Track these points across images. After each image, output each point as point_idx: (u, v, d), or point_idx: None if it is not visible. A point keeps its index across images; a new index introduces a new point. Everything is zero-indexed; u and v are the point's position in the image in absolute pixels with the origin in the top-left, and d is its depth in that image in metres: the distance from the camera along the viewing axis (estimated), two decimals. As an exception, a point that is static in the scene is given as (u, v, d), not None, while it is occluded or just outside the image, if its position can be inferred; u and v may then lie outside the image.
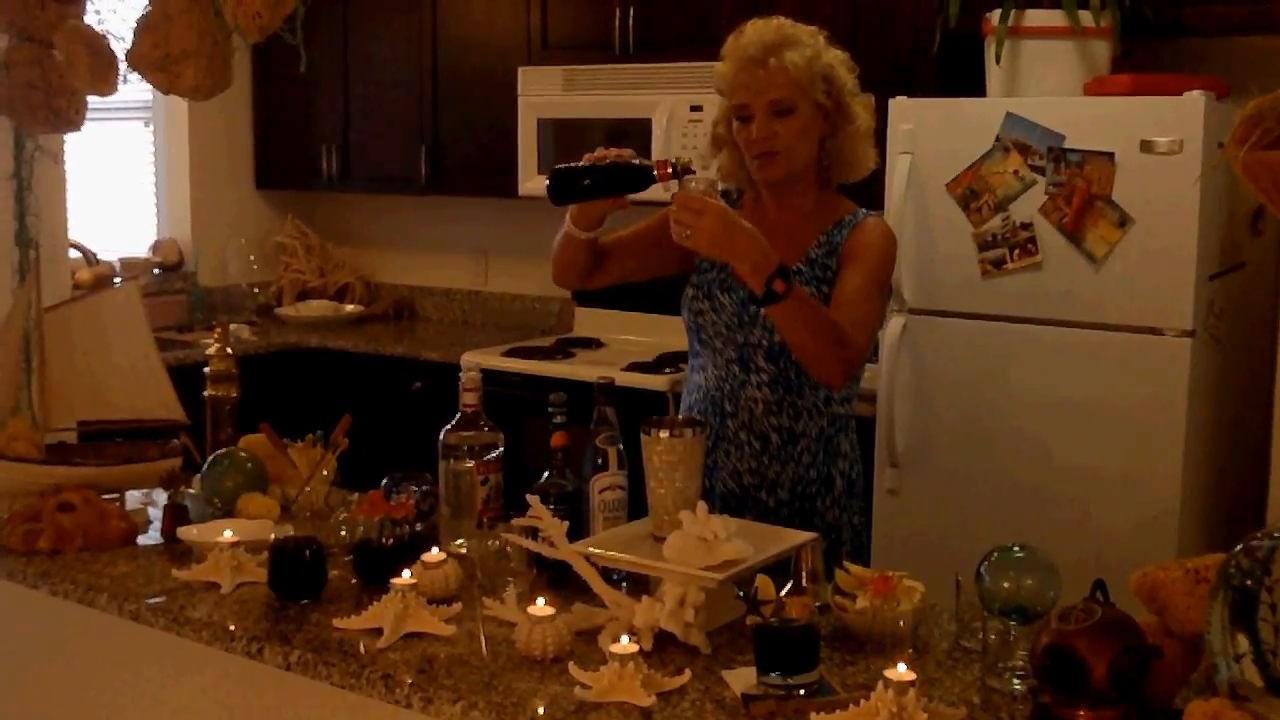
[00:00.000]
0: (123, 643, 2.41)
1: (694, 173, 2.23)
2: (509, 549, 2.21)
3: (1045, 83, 3.39)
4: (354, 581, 2.20)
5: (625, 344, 4.54)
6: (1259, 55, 3.59)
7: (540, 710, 1.73)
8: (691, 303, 2.55)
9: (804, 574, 2.04)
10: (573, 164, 2.33)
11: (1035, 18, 3.39)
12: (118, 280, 4.87)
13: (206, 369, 2.80)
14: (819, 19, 3.88)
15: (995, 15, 3.41)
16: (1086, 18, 3.34)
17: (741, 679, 1.79)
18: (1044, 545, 1.85)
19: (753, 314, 2.45)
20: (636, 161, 2.29)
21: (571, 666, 1.81)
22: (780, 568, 2.05)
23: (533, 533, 2.07)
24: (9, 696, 2.68)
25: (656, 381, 3.94)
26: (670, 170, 2.22)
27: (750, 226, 2.18)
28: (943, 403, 3.42)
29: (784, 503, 2.47)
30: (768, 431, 2.47)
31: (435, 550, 2.16)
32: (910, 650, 1.90)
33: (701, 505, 2.00)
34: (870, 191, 3.46)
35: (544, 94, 4.52)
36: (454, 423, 2.45)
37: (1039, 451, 3.29)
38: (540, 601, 1.92)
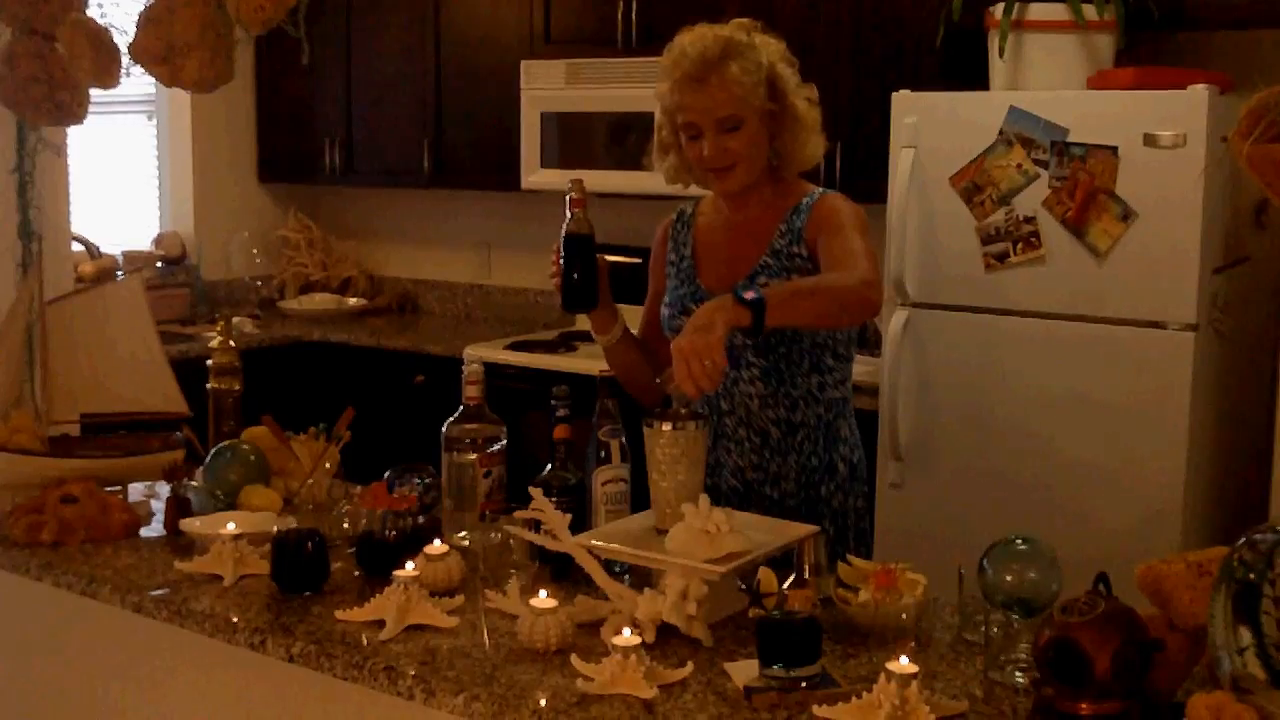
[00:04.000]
0: (125, 635, 2.41)
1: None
2: (511, 541, 2.21)
3: (1048, 76, 3.38)
4: (356, 574, 2.20)
5: (627, 338, 4.53)
6: (1263, 48, 3.59)
7: (542, 702, 1.73)
8: (670, 321, 2.53)
9: (806, 567, 2.05)
10: (561, 283, 2.41)
11: (1038, 11, 3.38)
12: (120, 273, 4.86)
13: (209, 362, 2.80)
14: (823, 13, 3.92)
15: (999, 9, 3.40)
16: (1090, 11, 3.33)
17: (744, 671, 1.79)
18: (1046, 538, 1.85)
19: None
20: (575, 233, 2.39)
21: (574, 659, 1.81)
22: (783, 560, 2.05)
23: (535, 525, 2.07)
24: (11, 688, 2.69)
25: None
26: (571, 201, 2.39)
27: (696, 316, 2.12)
28: (945, 396, 3.42)
29: (789, 494, 2.47)
30: (766, 425, 2.47)
31: (438, 542, 2.16)
32: (912, 643, 1.90)
33: (704, 498, 2.00)
34: (874, 185, 3.47)
35: (547, 87, 4.51)
36: (457, 415, 2.45)
37: (1041, 445, 3.28)
38: (542, 594, 1.92)
